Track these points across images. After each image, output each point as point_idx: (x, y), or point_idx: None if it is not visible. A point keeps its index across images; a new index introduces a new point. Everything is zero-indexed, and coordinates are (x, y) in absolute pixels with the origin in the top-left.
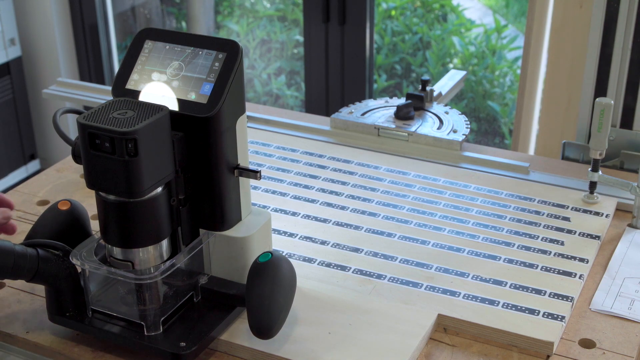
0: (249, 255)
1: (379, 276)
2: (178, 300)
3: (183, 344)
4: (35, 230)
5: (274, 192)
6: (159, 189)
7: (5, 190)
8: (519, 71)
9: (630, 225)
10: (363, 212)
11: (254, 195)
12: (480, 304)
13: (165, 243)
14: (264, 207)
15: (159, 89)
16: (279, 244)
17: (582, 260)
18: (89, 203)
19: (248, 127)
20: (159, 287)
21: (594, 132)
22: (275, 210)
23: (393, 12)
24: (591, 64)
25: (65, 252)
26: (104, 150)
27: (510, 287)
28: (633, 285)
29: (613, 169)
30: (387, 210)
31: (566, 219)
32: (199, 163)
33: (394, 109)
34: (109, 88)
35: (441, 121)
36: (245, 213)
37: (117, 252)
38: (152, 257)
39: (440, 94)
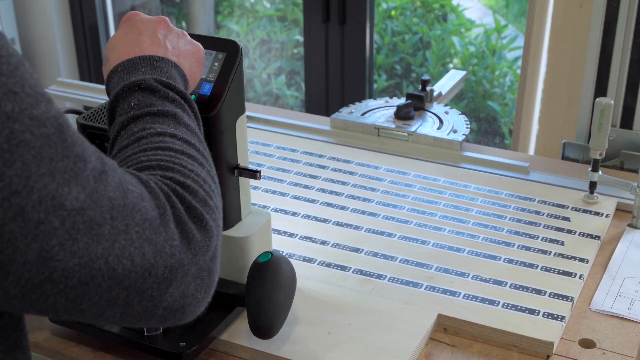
0: (249, 255)
1: (379, 276)
2: None
3: (183, 344)
4: None
5: (274, 192)
6: None
7: None
8: (519, 71)
9: (630, 225)
10: (363, 212)
11: (254, 195)
12: (480, 304)
13: None
14: (264, 207)
15: None
16: (279, 244)
17: (582, 260)
18: None
19: (248, 127)
20: None
21: (594, 132)
22: (275, 210)
23: (393, 12)
24: (591, 64)
25: None
26: (104, 150)
27: (510, 287)
28: (633, 285)
29: (613, 169)
30: (387, 210)
31: (566, 219)
32: None
33: (394, 109)
34: None
35: (441, 121)
36: (245, 213)
37: None
38: None
39: (440, 94)
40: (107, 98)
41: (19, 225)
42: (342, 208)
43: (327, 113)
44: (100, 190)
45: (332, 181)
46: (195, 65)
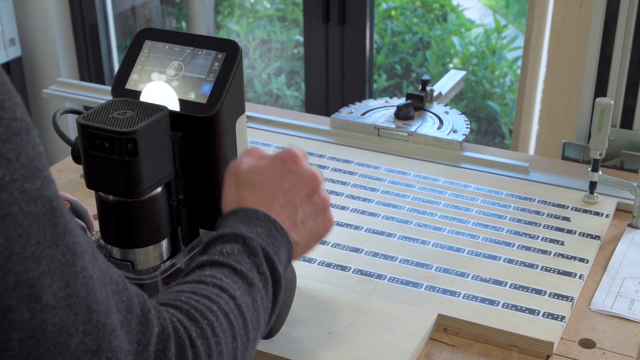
0: None
1: (379, 276)
2: None
3: None
4: None
5: None
6: (159, 189)
7: None
8: (519, 71)
9: (630, 225)
10: (363, 212)
11: None
12: (480, 304)
13: (165, 243)
14: None
15: (159, 89)
16: None
17: (582, 260)
18: (89, 203)
19: (248, 127)
20: (159, 288)
21: (594, 132)
22: None
23: (393, 12)
24: (591, 64)
25: None
26: (104, 150)
27: (510, 287)
28: (633, 285)
29: (613, 169)
30: (387, 210)
31: (566, 219)
32: (198, 163)
33: (394, 109)
34: (109, 88)
35: (441, 121)
36: None
37: (116, 252)
38: (152, 257)
39: (440, 94)
40: (107, 98)
41: None
42: (342, 208)
43: (327, 113)
44: (82, 295)
45: (332, 181)
46: (310, 246)
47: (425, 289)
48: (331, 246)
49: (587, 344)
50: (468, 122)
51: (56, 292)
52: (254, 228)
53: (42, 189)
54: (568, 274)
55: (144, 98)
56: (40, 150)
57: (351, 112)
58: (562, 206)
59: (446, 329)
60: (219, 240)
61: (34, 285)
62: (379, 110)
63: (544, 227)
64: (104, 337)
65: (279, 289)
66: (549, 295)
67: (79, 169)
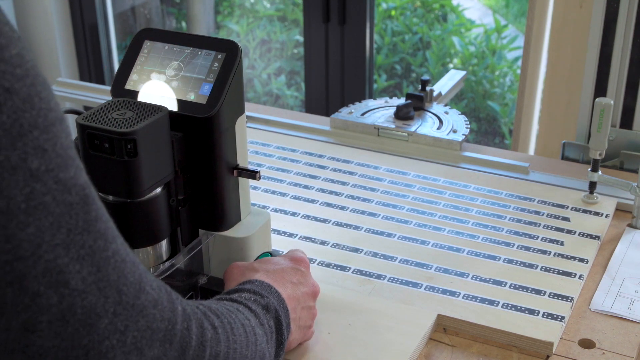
0: (248, 256)
1: (379, 276)
2: None
3: None
4: None
5: (273, 192)
6: (158, 190)
7: None
8: (519, 71)
9: (630, 225)
10: (363, 212)
11: (254, 195)
12: (480, 304)
13: (164, 243)
14: (264, 207)
15: (158, 89)
16: (279, 244)
17: (582, 260)
18: None
19: (248, 127)
20: None
21: (593, 132)
22: (275, 210)
23: (393, 12)
24: (591, 64)
25: None
26: (103, 150)
27: (510, 287)
28: (633, 285)
29: (613, 169)
30: (387, 210)
31: (566, 219)
32: (198, 163)
33: (393, 109)
34: (109, 88)
35: (441, 121)
36: (244, 213)
37: None
38: (152, 257)
39: (440, 94)
40: (107, 98)
41: (15, 292)
42: (342, 208)
43: (327, 113)
44: (113, 279)
45: (332, 181)
46: (293, 344)
47: (424, 289)
48: (331, 246)
49: (586, 344)
50: (468, 122)
51: (86, 277)
52: (268, 297)
53: (76, 177)
54: (568, 274)
55: (143, 98)
56: (71, 139)
57: (351, 112)
58: (562, 206)
59: (446, 329)
60: (238, 290)
61: (62, 272)
62: (379, 110)
63: (543, 227)
64: (130, 317)
65: (280, 352)
66: (549, 296)
67: None
